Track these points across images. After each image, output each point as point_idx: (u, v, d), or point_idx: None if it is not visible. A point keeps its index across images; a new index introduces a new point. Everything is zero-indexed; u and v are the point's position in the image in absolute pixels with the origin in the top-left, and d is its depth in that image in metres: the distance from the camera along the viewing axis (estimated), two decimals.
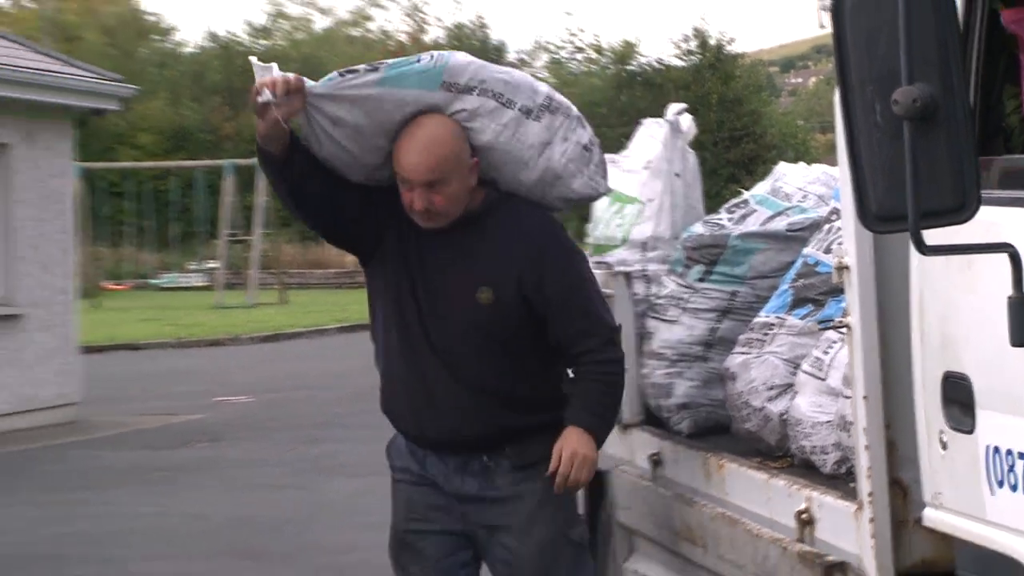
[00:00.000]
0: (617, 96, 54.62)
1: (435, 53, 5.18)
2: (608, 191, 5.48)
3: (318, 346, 29.17)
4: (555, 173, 5.08)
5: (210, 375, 23.98)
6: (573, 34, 60.78)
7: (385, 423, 5.24)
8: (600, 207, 6.78)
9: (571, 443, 4.99)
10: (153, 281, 43.84)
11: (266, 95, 4.93)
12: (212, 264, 43.66)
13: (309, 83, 5.04)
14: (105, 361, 23.74)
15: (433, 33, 64.47)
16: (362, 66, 5.14)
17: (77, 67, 19.79)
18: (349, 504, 12.47)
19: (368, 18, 64.20)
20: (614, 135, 17.64)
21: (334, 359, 26.19)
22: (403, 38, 63.08)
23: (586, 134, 5.22)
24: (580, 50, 59.79)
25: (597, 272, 6.02)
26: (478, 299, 5.04)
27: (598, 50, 59.14)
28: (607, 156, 6.88)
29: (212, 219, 44.24)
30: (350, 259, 45.37)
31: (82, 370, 19.13)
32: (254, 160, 32.13)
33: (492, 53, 60.93)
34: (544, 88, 5.21)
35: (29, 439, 16.92)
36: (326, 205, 5.18)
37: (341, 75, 5.11)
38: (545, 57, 61.11)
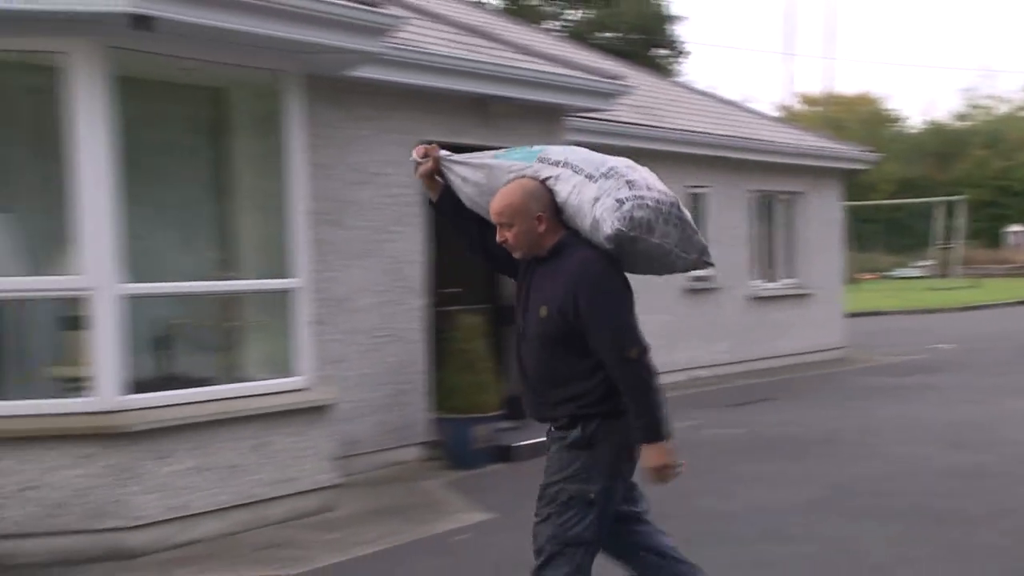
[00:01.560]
0: None
1: (543, 146, 4.78)
2: (619, 231, 4.38)
3: (999, 314, 27.69)
4: (596, 219, 4.41)
5: (927, 332, 23.22)
6: None
7: None
8: None
9: (643, 462, 4.40)
10: (890, 273, 42.96)
11: (413, 156, 4.80)
12: (927, 262, 42.58)
13: (444, 152, 4.78)
14: (860, 322, 23.56)
15: None
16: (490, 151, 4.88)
17: (841, 145, 19.72)
18: None
19: None
20: None
21: (1010, 322, 24.84)
22: None
23: (629, 193, 4.43)
24: None
25: None
26: (539, 314, 4.49)
27: None
28: None
29: (926, 234, 43.18)
30: (1021, 256, 43.30)
31: (847, 327, 19.08)
32: (957, 197, 30.91)
33: None
34: (612, 162, 4.55)
35: (818, 368, 17.06)
36: (479, 241, 4.80)
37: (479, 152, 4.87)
38: None
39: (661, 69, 35.26)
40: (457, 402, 9.82)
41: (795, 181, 17.89)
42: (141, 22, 6.94)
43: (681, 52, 44.02)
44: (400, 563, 7.08)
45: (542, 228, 4.53)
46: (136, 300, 7.49)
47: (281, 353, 8.52)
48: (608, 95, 11.86)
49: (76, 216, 7.22)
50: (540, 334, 4.51)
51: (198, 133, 8.82)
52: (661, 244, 4.48)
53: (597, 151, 4.70)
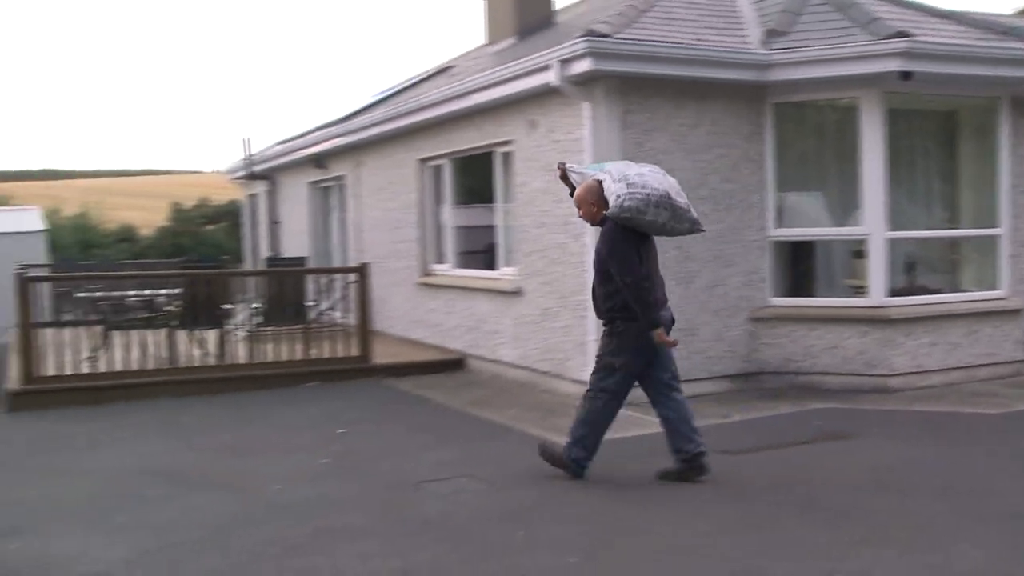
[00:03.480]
0: None
1: (605, 163, 5.28)
2: (612, 213, 4.96)
3: None
4: (610, 205, 4.99)
5: None
6: None
7: None
8: None
9: (657, 339, 5.07)
10: None
11: (557, 166, 5.49)
12: None
13: (569, 164, 5.34)
14: None
15: None
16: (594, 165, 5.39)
17: None
18: None
19: None
20: None
21: None
22: None
23: (626, 191, 4.89)
24: None
25: None
26: (593, 258, 5.14)
27: None
28: None
29: None
30: None
31: None
32: None
33: None
34: (627, 171, 5.01)
35: None
36: None
37: (583, 166, 5.34)
38: None
39: None
40: None
41: None
42: (905, 76, 7.89)
43: None
44: None
45: (595, 210, 5.17)
46: (894, 241, 8.38)
47: (988, 275, 8.93)
48: None
49: (862, 193, 8.27)
50: (594, 270, 5.22)
51: (934, 140, 9.26)
52: (654, 220, 4.92)
53: None
